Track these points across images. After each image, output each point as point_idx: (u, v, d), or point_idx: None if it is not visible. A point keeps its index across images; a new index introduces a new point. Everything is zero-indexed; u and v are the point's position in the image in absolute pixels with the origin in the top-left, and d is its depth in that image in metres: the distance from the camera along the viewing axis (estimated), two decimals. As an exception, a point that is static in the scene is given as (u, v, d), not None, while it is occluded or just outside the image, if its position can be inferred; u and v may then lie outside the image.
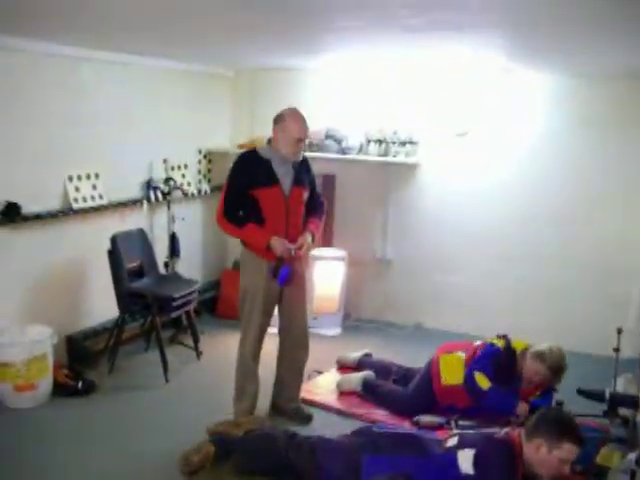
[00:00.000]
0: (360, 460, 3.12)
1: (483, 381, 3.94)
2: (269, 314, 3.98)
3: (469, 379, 3.99)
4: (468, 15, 2.87)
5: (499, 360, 4.03)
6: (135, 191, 5.38)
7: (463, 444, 3.05)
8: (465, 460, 2.94)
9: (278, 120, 3.78)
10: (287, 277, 3.78)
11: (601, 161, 5.26)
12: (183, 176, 5.88)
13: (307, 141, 4.20)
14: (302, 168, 3.92)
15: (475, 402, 4.00)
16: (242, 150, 4.22)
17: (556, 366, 3.90)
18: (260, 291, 3.85)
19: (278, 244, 3.73)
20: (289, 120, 3.73)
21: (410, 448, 3.14)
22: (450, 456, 3.01)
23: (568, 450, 2.84)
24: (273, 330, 4.10)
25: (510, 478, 2.88)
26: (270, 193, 3.75)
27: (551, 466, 2.87)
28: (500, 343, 4.10)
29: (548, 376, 3.93)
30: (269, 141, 3.87)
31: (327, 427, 3.97)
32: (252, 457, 3.40)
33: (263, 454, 3.37)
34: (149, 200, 5.37)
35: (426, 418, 4.04)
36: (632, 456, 3.31)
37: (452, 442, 3.12)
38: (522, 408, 3.85)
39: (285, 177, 3.80)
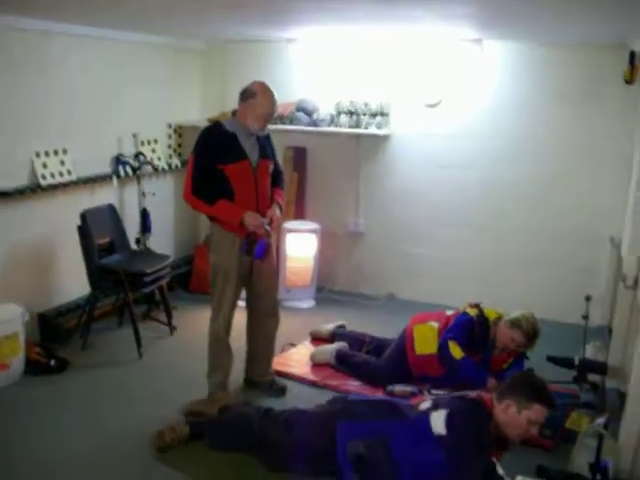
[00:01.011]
0: (335, 427, 3.11)
1: (456, 350, 3.97)
2: (241, 289, 3.97)
3: (443, 348, 4.03)
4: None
5: (472, 329, 4.06)
6: (104, 166, 5.31)
7: (436, 406, 3.06)
8: (437, 421, 2.93)
9: (247, 95, 3.72)
10: (264, 251, 3.77)
11: (569, 130, 5.27)
12: (153, 151, 5.81)
13: (275, 114, 4.15)
14: (265, 140, 3.90)
15: (447, 371, 4.05)
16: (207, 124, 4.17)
17: (532, 332, 3.96)
18: (234, 267, 3.82)
19: (252, 219, 3.70)
20: (259, 96, 3.69)
21: (385, 413, 3.14)
22: (424, 418, 3.00)
23: (537, 411, 2.87)
24: (241, 303, 4.06)
25: (481, 437, 2.88)
26: (239, 168, 3.71)
27: (520, 426, 2.90)
28: (473, 312, 4.13)
29: (524, 342, 3.98)
30: (234, 113, 3.83)
31: (301, 399, 4.00)
32: (226, 437, 3.43)
33: (237, 434, 3.39)
34: (119, 175, 5.31)
35: (399, 387, 4.09)
36: (600, 420, 3.39)
37: (426, 405, 3.13)
38: (492, 383, 3.89)
39: (252, 151, 3.77)
